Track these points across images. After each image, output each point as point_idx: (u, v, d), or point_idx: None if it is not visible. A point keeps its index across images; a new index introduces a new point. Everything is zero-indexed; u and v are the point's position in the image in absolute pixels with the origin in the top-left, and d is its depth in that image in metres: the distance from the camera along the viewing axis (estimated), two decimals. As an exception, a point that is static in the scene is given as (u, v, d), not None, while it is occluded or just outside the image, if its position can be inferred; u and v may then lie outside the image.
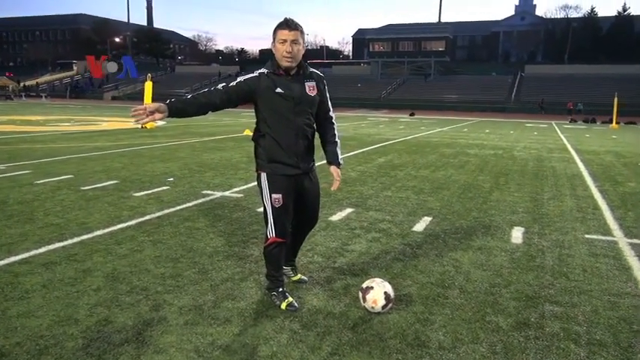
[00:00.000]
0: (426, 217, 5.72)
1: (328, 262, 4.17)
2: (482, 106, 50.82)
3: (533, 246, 4.72)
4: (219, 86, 3.11)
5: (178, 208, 5.90)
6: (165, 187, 7.09)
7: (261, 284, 3.61)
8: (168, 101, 2.97)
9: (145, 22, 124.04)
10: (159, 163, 9.42)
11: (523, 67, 65.86)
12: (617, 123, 30.52)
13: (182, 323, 2.99)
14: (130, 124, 20.91)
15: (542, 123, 32.25)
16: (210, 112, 3.10)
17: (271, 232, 3.16)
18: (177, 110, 2.95)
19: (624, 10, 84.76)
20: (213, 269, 3.90)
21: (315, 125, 3.31)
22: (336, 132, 3.44)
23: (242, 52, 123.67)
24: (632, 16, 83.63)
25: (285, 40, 2.99)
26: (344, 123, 26.34)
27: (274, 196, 3.12)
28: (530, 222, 5.63)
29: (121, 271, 3.80)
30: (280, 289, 3.30)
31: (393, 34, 73.89)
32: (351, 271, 3.96)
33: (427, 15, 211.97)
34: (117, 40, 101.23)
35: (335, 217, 5.62)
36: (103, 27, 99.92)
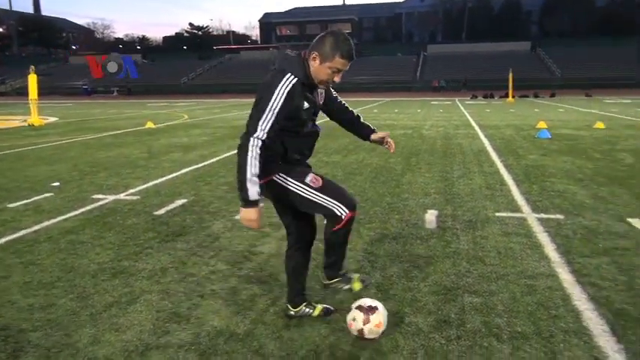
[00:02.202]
0: (338, 207, 5.44)
1: (233, 269, 3.73)
2: (390, 86, 52.17)
3: (448, 230, 4.59)
4: (260, 135, 2.47)
5: (61, 218, 5.15)
6: (48, 195, 6.23)
7: (153, 305, 3.12)
8: (251, 198, 2.49)
9: (31, 10, 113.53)
10: (44, 166, 8.39)
11: (425, 47, 68.38)
12: (512, 97, 32.48)
13: (48, 371, 2.44)
14: (15, 122, 18.85)
15: (446, 100, 33.57)
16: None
17: (342, 210, 2.64)
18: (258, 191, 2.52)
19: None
20: (95, 293, 3.33)
21: None
22: (354, 112, 3.12)
23: (144, 40, 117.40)
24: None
25: (340, 71, 2.56)
26: (254, 109, 25.67)
27: (309, 179, 2.65)
28: (442, 204, 5.54)
29: (-24, 308, 3.12)
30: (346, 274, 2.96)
31: (300, 17, 73.68)
32: (258, 278, 3.56)
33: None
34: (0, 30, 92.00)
35: (242, 215, 5.17)
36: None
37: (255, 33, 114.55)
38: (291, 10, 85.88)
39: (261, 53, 73.41)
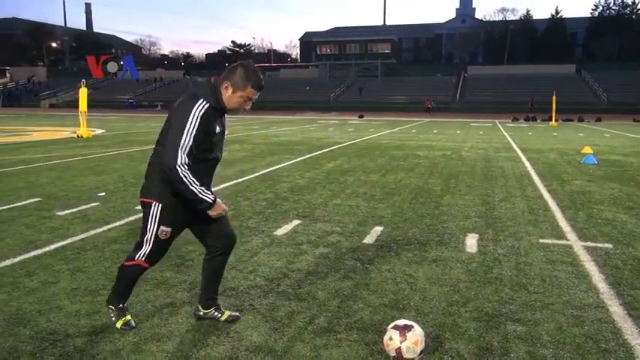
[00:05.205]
0: (377, 227, 5.41)
1: (272, 285, 3.75)
2: (434, 106, 51.69)
3: (489, 254, 4.48)
4: (182, 161, 2.64)
5: (106, 227, 5.32)
6: (94, 204, 6.45)
7: (193, 317, 3.16)
8: (212, 199, 2.78)
9: (84, 27, 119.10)
10: (91, 176, 8.70)
11: (466, 68, 67.73)
12: (556, 121, 31.69)
13: (93, 377, 2.50)
14: (64, 133, 19.68)
15: (486, 122, 33.06)
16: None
17: (143, 256, 2.89)
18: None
19: (557, 12, 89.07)
20: (138, 302, 3.40)
21: None
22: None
23: (188, 57, 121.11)
24: (564, 18, 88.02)
25: (249, 99, 2.79)
26: (292, 127, 25.97)
27: (163, 228, 2.84)
28: (483, 227, 5.43)
29: (26, 311, 3.24)
30: (121, 305, 3.02)
31: (340, 36, 74.27)
32: (296, 295, 3.56)
33: (372, 18, 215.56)
34: (54, 45, 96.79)
35: (280, 231, 5.21)
36: (39, 31, 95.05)
37: (295, 52, 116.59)
38: (331, 29, 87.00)
39: (301, 71, 74.45)
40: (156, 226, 2.82)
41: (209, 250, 3.06)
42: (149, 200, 2.84)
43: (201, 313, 3.12)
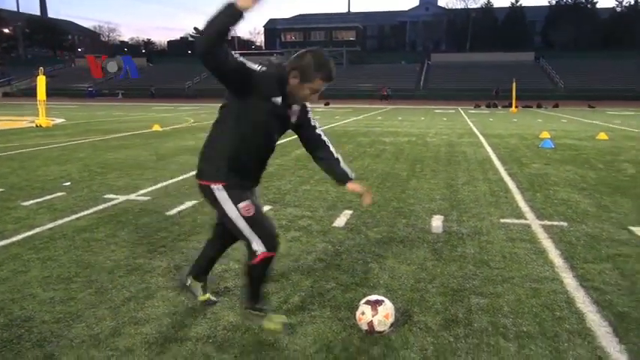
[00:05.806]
0: (346, 211, 5.55)
1: (245, 268, 3.83)
2: (393, 94, 52.29)
3: (454, 234, 4.69)
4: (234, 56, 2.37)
5: (74, 217, 5.26)
6: (60, 194, 6.35)
7: (169, 301, 3.22)
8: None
9: (37, 12, 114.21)
10: (54, 166, 8.51)
11: (429, 56, 68.67)
12: (516, 107, 32.61)
13: None
14: (22, 122, 19.01)
15: (450, 109, 33.72)
16: (214, 45, 2.26)
17: (259, 246, 2.63)
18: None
19: (516, 0, 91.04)
20: (113, 288, 3.43)
21: None
22: (334, 152, 2.97)
23: (149, 44, 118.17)
24: (524, 6, 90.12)
25: (317, 91, 2.54)
26: (259, 115, 25.77)
27: (242, 205, 2.59)
28: (448, 209, 5.64)
29: (-1, 300, 3.23)
30: (266, 306, 2.91)
31: (305, 24, 74.08)
32: (270, 276, 3.65)
33: (337, 5, 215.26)
34: (6, 31, 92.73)
35: (252, 217, 5.28)
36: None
37: (259, 39, 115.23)
38: (296, 16, 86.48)
39: (265, 59, 73.69)
40: (234, 207, 2.58)
41: (225, 236, 2.95)
42: (207, 183, 2.61)
43: (188, 283, 3.09)
